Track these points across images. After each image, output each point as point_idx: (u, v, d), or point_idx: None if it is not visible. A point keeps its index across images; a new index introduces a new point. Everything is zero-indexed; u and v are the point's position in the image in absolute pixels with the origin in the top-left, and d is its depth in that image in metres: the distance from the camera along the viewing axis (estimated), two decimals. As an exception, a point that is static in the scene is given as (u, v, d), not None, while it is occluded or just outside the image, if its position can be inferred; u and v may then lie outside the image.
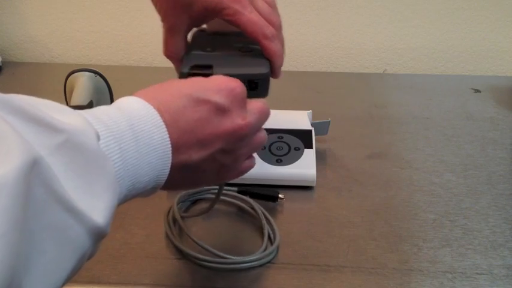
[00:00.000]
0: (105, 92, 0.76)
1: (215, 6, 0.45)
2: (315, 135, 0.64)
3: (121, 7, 1.01)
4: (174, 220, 0.53)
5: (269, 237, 0.51)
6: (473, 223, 0.54)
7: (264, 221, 0.53)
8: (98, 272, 0.47)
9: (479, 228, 0.53)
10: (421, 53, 1.00)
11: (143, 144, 0.33)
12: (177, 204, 0.55)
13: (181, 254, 0.49)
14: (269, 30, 0.46)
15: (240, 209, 0.56)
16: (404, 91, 0.88)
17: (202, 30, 0.52)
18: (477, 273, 0.47)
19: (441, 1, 0.96)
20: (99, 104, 0.75)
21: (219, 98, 0.37)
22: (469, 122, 0.77)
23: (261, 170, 0.59)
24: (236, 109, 0.38)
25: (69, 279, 0.28)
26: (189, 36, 0.51)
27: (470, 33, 0.98)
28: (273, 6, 0.49)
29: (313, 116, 0.68)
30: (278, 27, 0.47)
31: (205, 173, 0.38)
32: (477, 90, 0.89)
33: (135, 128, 0.33)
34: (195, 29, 0.51)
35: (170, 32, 0.49)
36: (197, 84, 0.38)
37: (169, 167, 0.35)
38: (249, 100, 0.40)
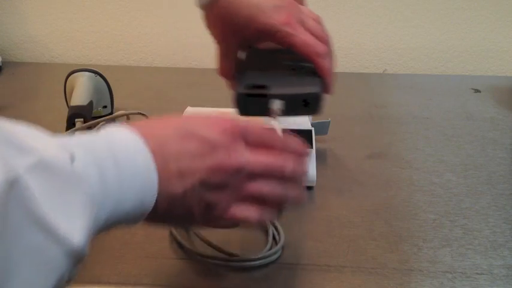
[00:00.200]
0: (105, 92, 0.76)
1: (269, 29, 0.47)
2: (315, 135, 0.64)
3: (121, 7, 1.01)
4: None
5: (273, 237, 0.51)
6: (473, 223, 0.54)
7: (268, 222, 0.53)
8: (98, 272, 0.47)
9: (479, 228, 0.53)
10: (421, 53, 1.01)
11: (124, 167, 0.32)
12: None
13: (183, 254, 0.49)
14: (321, 48, 0.47)
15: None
16: (404, 91, 0.88)
17: (251, 47, 0.53)
18: (477, 273, 0.47)
19: (441, 1, 0.96)
20: (99, 103, 0.76)
21: (207, 133, 0.37)
22: (469, 122, 0.77)
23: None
24: (225, 146, 0.37)
25: None
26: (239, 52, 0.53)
27: (470, 33, 0.98)
28: (320, 23, 0.50)
29: (313, 116, 0.68)
30: (329, 44, 0.49)
31: (192, 210, 0.37)
32: (477, 90, 0.89)
33: (115, 152, 0.32)
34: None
35: (224, 54, 0.51)
36: (188, 120, 0.39)
37: (156, 193, 0.34)
38: (260, 151, 0.39)
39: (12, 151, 0.26)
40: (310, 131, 0.63)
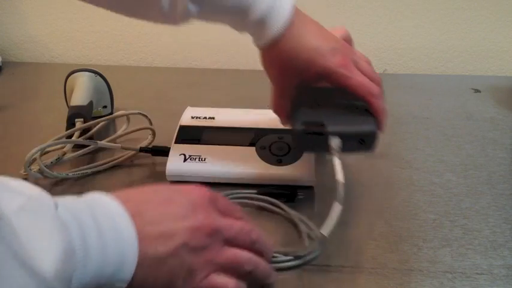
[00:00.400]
0: (105, 92, 0.76)
1: (327, 72, 0.49)
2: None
3: (121, 7, 1.01)
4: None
5: (308, 236, 0.51)
6: (473, 223, 0.54)
7: (297, 221, 0.53)
8: None
9: (479, 228, 0.53)
10: (421, 53, 1.01)
11: (104, 225, 0.34)
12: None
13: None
14: (375, 89, 0.49)
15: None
16: (404, 91, 0.88)
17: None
18: (477, 273, 0.47)
19: (441, 1, 0.96)
20: (99, 104, 0.76)
21: (185, 197, 0.40)
22: (469, 122, 0.77)
23: (261, 170, 0.59)
24: (203, 209, 0.40)
25: None
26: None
27: (470, 33, 0.98)
28: (370, 64, 0.53)
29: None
30: (380, 84, 0.51)
31: (174, 272, 0.37)
32: (477, 90, 0.89)
33: (95, 212, 0.34)
34: None
35: (280, 93, 0.52)
36: (167, 186, 0.42)
37: (137, 255, 0.35)
38: (229, 218, 0.41)
39: (2, 192, 0.28)
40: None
